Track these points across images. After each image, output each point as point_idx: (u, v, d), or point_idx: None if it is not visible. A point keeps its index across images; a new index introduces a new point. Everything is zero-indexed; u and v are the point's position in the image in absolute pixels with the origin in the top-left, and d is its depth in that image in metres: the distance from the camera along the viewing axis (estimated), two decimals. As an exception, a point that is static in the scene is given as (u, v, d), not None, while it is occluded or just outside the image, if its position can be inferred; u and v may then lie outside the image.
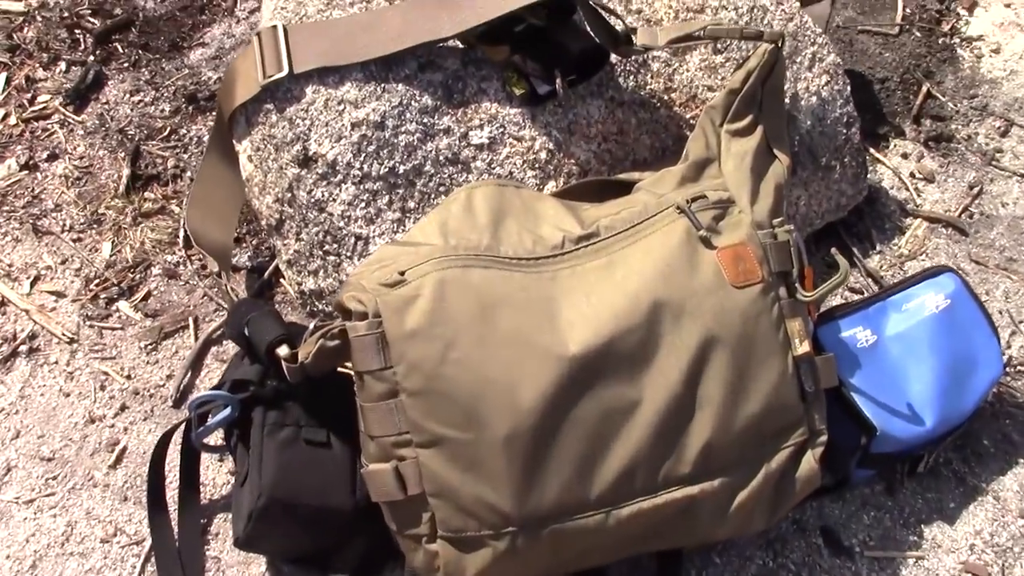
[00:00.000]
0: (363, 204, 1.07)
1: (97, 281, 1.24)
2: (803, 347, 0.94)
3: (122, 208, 1.29)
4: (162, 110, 1.39)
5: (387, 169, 1.07)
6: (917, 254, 1.35)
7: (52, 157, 1.35)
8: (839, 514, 1.12)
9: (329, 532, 0.97)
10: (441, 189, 1.08)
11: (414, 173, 1.08)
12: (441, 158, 1.08)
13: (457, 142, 1.08)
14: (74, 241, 1.27)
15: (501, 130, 1.09)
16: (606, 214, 0.97)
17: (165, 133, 1.38)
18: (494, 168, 1.09)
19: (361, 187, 1.07)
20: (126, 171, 1.32)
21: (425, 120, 1.07)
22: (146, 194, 1.32)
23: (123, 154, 1.34)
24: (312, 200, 1.08)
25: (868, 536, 1.10)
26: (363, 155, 1.07)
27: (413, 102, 1.07)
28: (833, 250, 0.97)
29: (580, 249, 0.93)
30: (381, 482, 0.87)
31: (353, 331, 0.87)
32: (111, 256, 1.26)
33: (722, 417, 0.89)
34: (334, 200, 1.07)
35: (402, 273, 0.88)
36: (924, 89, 1.50)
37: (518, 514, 0.85)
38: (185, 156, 1.35)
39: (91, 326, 1.20)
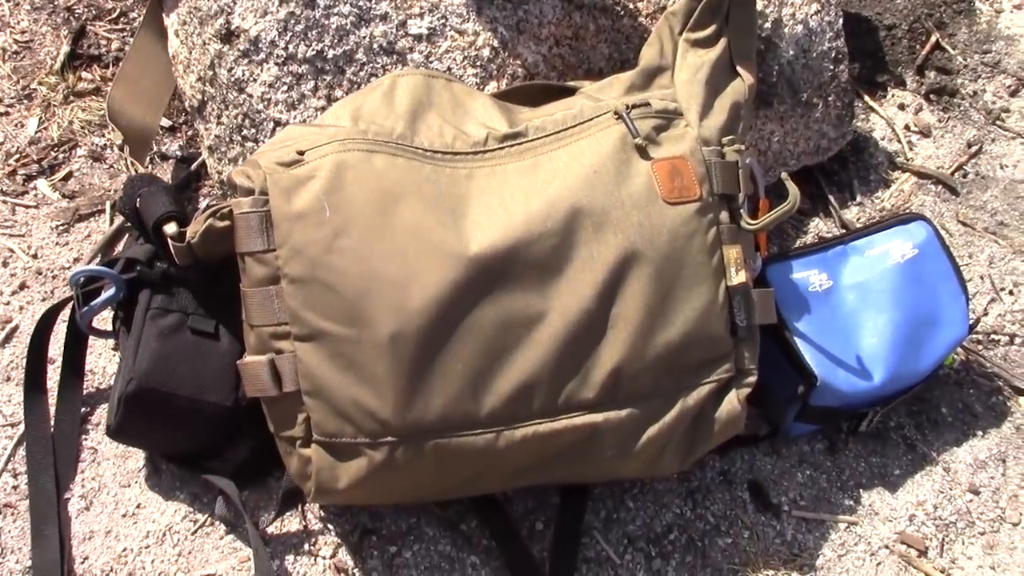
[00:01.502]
0: (285, 87, 0.99)
1: (18, 157, 1.17)
2: (739, 277, 0.85)
3: (55, 85, 1.22)
4: (114, -10, 1.32)
5: (314, 52, 0.99)
6: (901, 209, 1.25)
7: (-8, 28, 1.27)
8: (771, 469, 1.03)
9: (207, 430, 0.90)
10: (372, 80, 1.00)
11: (344, 59, 0.99)
12: (375, 46, 1.00)
13: (394, 30, 1.00)
14: (0, 115, 1.20)
15: (443, 21, 1.00)
16: (540, 116, 0.88)
17: (114, 15, 1.30)
18: (432, 62, 1.01)
19: (284, 69, 0.99)
20: (65, 48, 1.25)
21: (361, 3, 0.99)
22: (83, 74, 1.25)
23: (66, 32, 1.27)
24: (232, 79, 1.00)
25: (800, 495, 1.01)
26: (289, 34, 0.98)
27: (349, -18, 0.99)
28: (783, 175, 0.88)
29: (504, 148, 0.85)
30: (255, 375, 0.80)
31: (237, 207, 0.80)
32: (36, 133, 1.19)
33: (636, 341, 0.81)
34: (254, 80, 0.99)
35: (301, 153, 0.81)
36: (933, 39, 1.39)
37: (398, 423, 0.78)
38: (131, 40, 1.27)
39: (4, 202, 1.13)
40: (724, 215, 0.86)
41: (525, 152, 0.85)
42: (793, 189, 0.86)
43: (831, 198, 1.25)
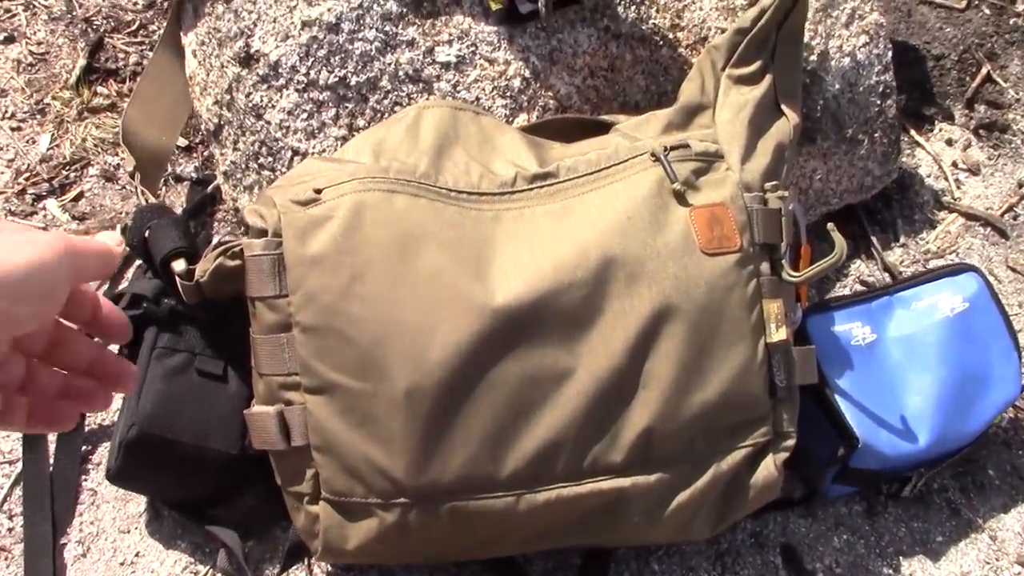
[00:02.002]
0: (305, 115, 0.94)
1: (28, 175, 1.13)
2: (779, 334, 0.80)
3: (69, 100, 1.18)
4: (135, 2, 1.27)
5: (337, 79, 0.94)
6: (946, 252, 1.19)
7: (9, 40, 1.23)
8: (806, 532, 0.97)
9: (211, 478, 0.86)
10: (396, 109, 0.95)
11: (367, 87, 0.94)
12: (400, 73, 0.95)
13: (421, 57, 0.95)
14: (12, 130, 1.16)
15: (472, 49, 0.95)
16: (572, 154, 0.83)
17: (133, 27, 1.26)
18: (459, 91, 0.95)
19: (304, 95, 0.94)
20: (81, 61, 1.21)
21: (387, 28, 0.94)
22: (99, 88, 1.21)
23: (84, 44, 1.23)
24: (250, 105, 0.95)
25: (835, 562, 0.96)
26: (311, 59, 0.94)
27: (375, 6, 0.93)
28: (830, 225, 0.82)
29: (533, 190, 0.79)
30: (262, 427, 0.76)
31: (249, 249, 0.75)
32: (48, 150, 1.15)
33: (669, 401, 0.76)
34: (273, 107, 0.95)
35: (318, 191, 0.76)
36: (984, 71, 1.32)
37: (412, 483, 0.73)
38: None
39: (12, 221, 1.09)
40: (765, 266, 0.81)
41: (556, 194, 0.79)
42: (840, 241, 0.80)
43: (873, 239, 1.19)
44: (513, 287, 0.74)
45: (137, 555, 0.90)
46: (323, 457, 0.74)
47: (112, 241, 0.54)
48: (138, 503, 0.93)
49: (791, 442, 0.82)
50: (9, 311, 0.44)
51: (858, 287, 1.16)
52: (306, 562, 0.90)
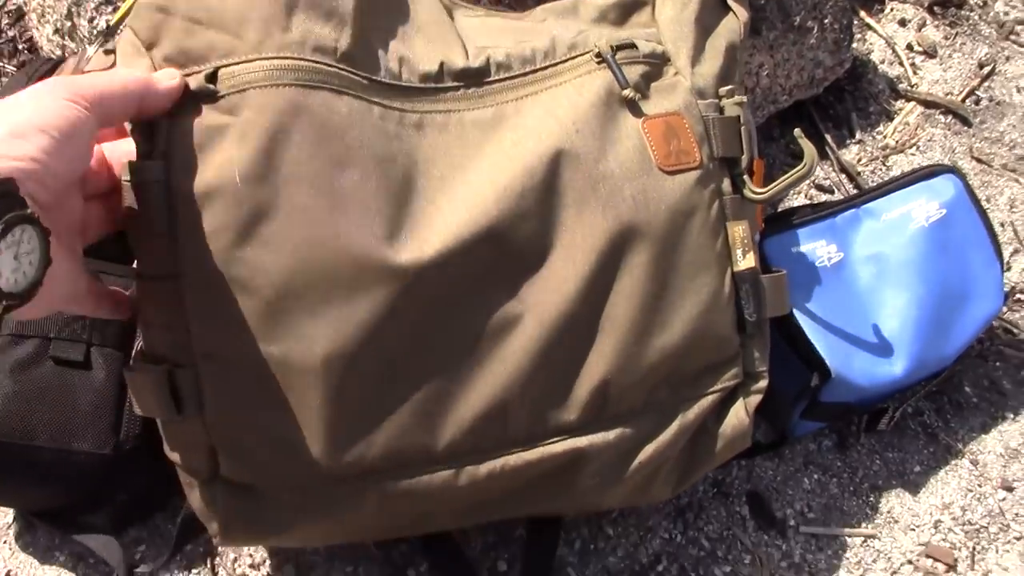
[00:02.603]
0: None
1: None
2: (746, 260, 0.68)
3: None
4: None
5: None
6: (906, 146, 1.08)
7: None
8: (773, 476, 0.88)
9: (80, 483, 0.72)
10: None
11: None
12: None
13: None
14: None
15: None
16: (498, 43, 0.67)
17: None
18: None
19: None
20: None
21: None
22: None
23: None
24: (95, 31, 0.79)
25: (807, 506, 0.86)
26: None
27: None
28: (797, 131, 0.70)
29: (460, 89, 0.64)
30: (145, 391, 0.59)
31: (124, 172, 0.56)
32: None
33: (628, 347, 0.64)
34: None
35: (213, 75, 0.57)
36: (934, -60, 1.19)
37: (332, 464, 0.60)
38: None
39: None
40: (726, 184, 0.68)
41: (486, 97, 0.64)
42: (809, 149, 0.68)
43: (828, 138, 1.07)
44: (447, 223, 0.60)
45: (7, 574, 0.77)
46: (220, 433, 0.60)
47: (158, 74, 0.55)
48: (4, 513, 0.79)
49: (763, 383, 0.71)
50: (36, 168, 0.45)
51: (814, 192, 1.04)
52: (210, 564, 0.77)
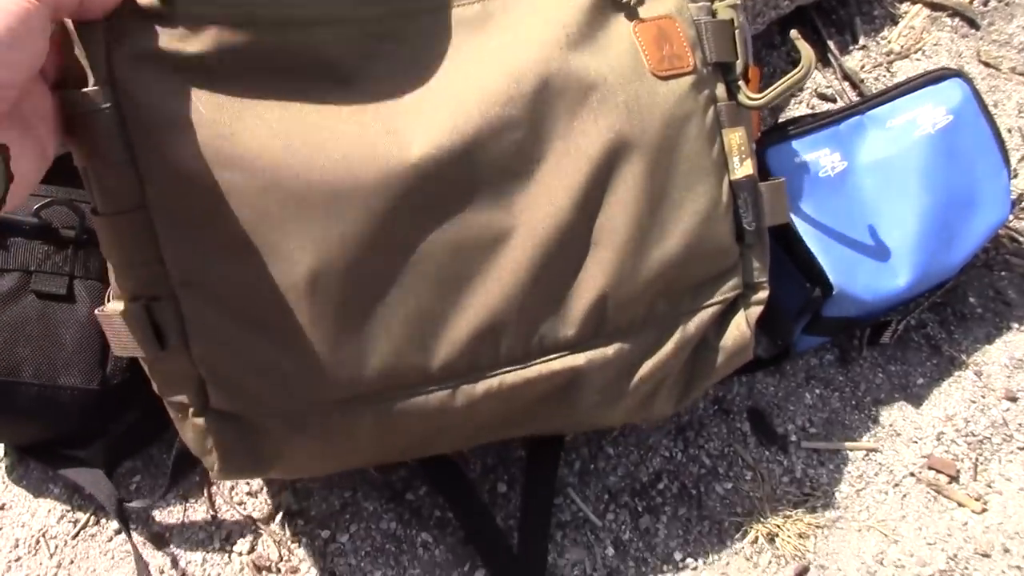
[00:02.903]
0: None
1: None
2: (744, 168, 0.66)
3: None
4: None
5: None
6: (911, 51, 1.04)
7: None
8: (774, 392, 0.86)
9: (68, 419, 0.71)
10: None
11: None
12: None
13: None
14: None
15: None
16: None
17: None
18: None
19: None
20: None
21: None
22: None
23: None
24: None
25: (809, 420, 0.85)
26: None
27: None
28: (794, 32, 0.67)
29: None
30: (120, 330, 0.57)
31: (70, 103, 0.52)
32: None
33: (625, 259, 0.62)
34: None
35: None
36: None
37: (324, 389, 0.58)
38: None
39: None
40: (720, 89, 0.66)
41: None
42: (807, 51, 0.65)
43: (830, 44, 1.03)
44: (432, 132, 0.57)
45: (2, 508, 0.76)
46: (207, 363, 0.58)
47: None
48: (-3, 448, 0.78)
49: (764, 294, 0.69)
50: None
51: (816, 101, 1.01)
52: (207, 493, 0.77)
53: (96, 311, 0.58)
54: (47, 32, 0.46)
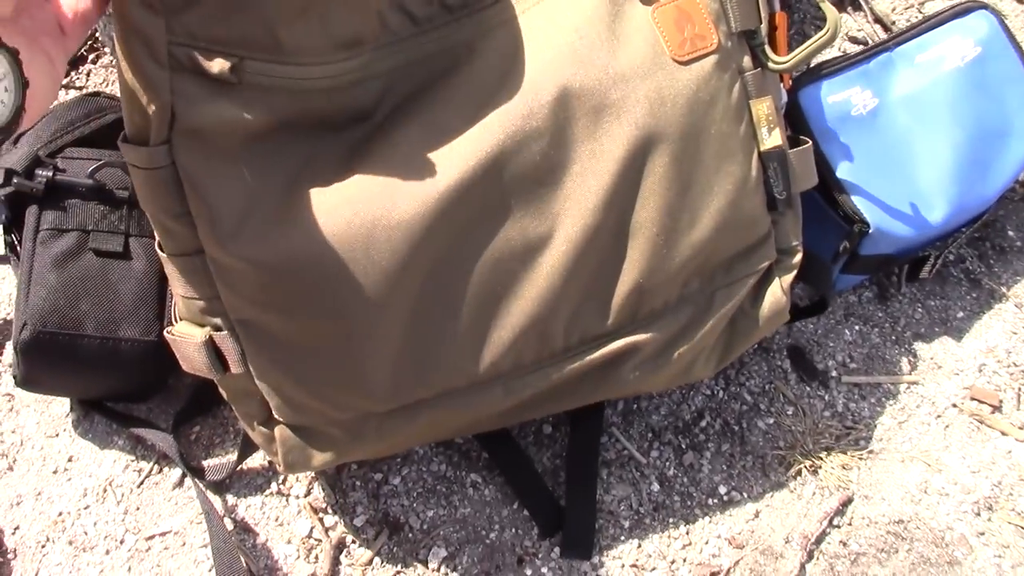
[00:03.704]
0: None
1: None
2: (773, 138, 0.66)
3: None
4: None
5: None
6: (942, -10, 1.04)
7: None
8: (814, 329, 0.87)
9: (132, 372, 0.74)
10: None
11: None
12: None
13: None
14: None
15: None
16: None
17: None
18: None
19: None
20: None
21: None
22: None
23: None
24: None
25: (849, 356, 0.86)
26: None
27: None
28: (819, -4, 0.68)
29: (461, 19, 0.61)
30: (189, 354, 0.61)
31: (131, 155, 0.56)
32: None
33: (659, 249, 0.63)
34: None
35: (237, 67, 0.55)
36: None
37: (379, 404, 0.63)
38: None
39: None
40: (746, 60, 0.65)
41: (484, 21, 0.61)
42: (832, 13, 0.64)
43: (860, -13, 1.03)
44: (458, 157, 0.59)
45: (70, 460, 0.80)
46: (269, 388, 0.62)
47: None
48: (63, 403, 0.82)
49: (798, 257, 0.71)
50: None
51: (848, 45, 1.01)
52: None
53: (165, 332, 0.62)
54: None
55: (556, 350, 0.64)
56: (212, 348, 0.61)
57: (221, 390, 0.65)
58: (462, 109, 0.60)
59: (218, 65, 0.53)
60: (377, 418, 0.64)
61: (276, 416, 0.64)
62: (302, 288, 0.57)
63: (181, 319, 0.62)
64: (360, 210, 0.57)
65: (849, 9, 1.03)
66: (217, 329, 0.60)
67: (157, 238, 0.60)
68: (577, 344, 0.65)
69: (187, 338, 0.60)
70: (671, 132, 0.61)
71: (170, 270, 0.60)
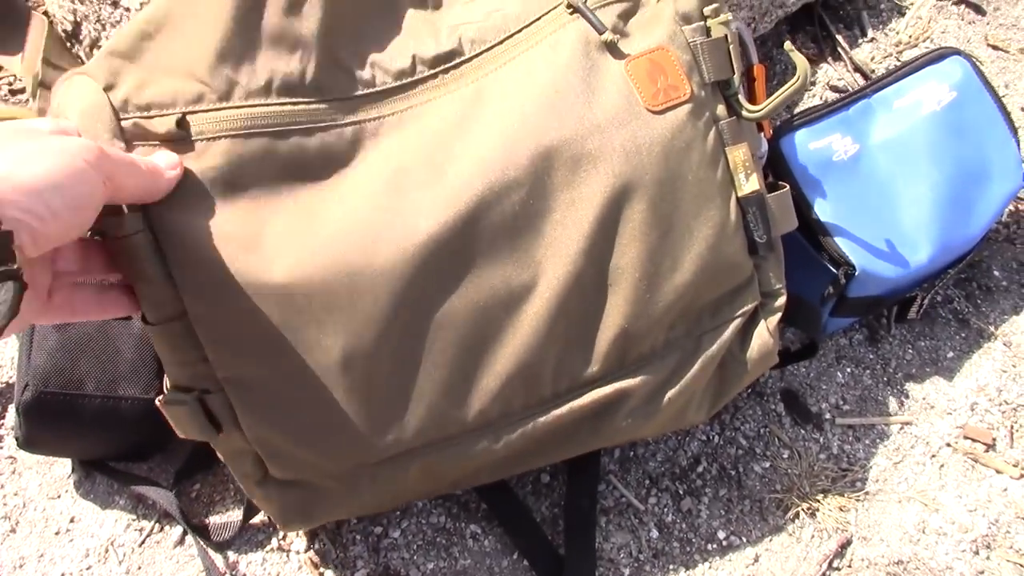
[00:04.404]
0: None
1: None
2: (751, 183, 0.67)
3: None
4: None
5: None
6: (920, 40, 1.07)
7: None
8: (806, 372, 0.88)
9: (132, 430, 0.75)
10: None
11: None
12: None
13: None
14: None
15: None
16: (469, 20, 0.67)
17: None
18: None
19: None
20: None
21: None
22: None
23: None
24: (102, -9, 0.81)
25: (842, 398, 0.87)
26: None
27: None
28: (787, 44, 0.70)
29: (438, 75, 0.64)
30: (180, 421, 0.62)
31: (108, 230, 0.57)
32: None
33: (641, 294, 0.64)
34: (127, -11, 0.80)
35: (181, 121, 0.57)
36: None
37: (370, 454, 0.63)
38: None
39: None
40: (720, 108, 0.67)
41: (464, 77, 0.64)
42: (801, 62, 0.66)
43: (839, 38, 1.06)
44: (437, 207, 0.60)
45: (72, 521, 0.80)
46: (259, 442, 0.63)
47: (163, 162, 0.54)
48: (64, 464, 0.82)
49: (782, 300, 0.72)
50: (37, 227, 0.42)
51: (829, 94, 1.04)
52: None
53: (156, 401, 0.63)
54: (95, 215, 0.47)
55: (545, 397, 0.65)
56: (203, 411, 0.61)
57: (217, 452, 0.66)
58: (440, 155, 0.62)
59: (164, 125, 0.56)
60: (370, 468, 0.64)
61: (272, 473, 0.65)
62: (281, 325, 0.59)
63: (171, 387, 0.63)
64: (340, 255, 0.59)
65: (830, 59, 1.06)
66: (206, 392, 0.61)
67: (141, 310, 0.60)
68: (566, 391, 0.66)
69: (178, 404, 0.61)
70: (648, 178, 0.63)
71: (156, 340, 0.61)
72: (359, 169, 0.62)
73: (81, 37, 0.86)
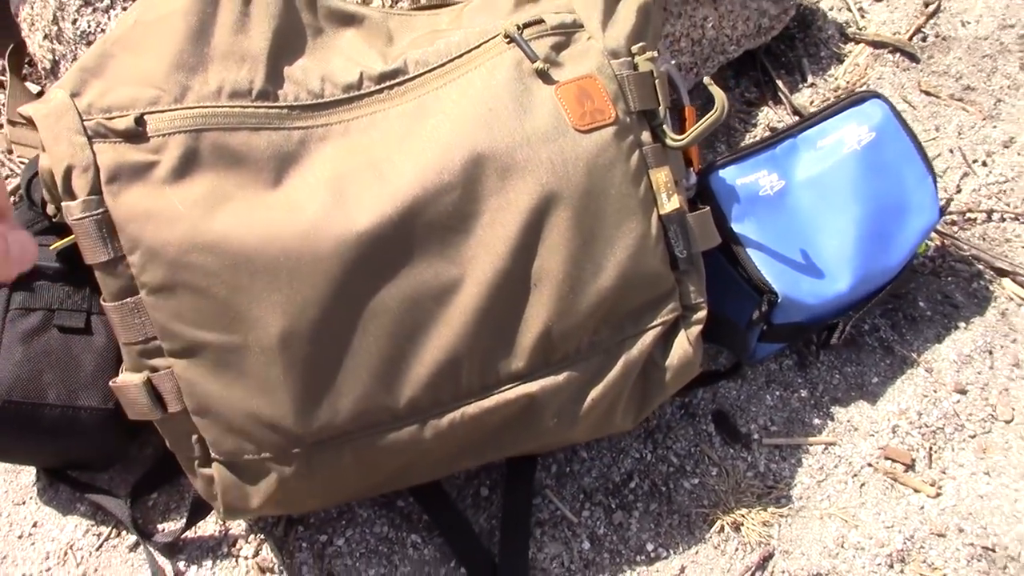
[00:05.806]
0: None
1: None
2: (672, 203, 0.74)
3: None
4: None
5: (163, -13, 0.85)
6: (857, 86, 1.13)
7: None
8: (737, 395, 0.93)
9: (89, 438, 0.79)
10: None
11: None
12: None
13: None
14: None
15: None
16: (418, 47, 0.75)
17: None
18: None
19: (131, 11, 0.85)
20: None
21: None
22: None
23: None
24: (78, 32, 0.87)
25: (770, 420, 0.92)
26: (131, -30, 0.85)
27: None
28: (706, 79, 0.77)
29: (383, 91, 0.72)
30: (132, 399, 0.69)
31: (68, 213, 0.66)
32: None
33: (564, 295, 0.70)
34: (103, 31, 0.86)
35: (141, 121, 0.66)
36: None
37: (304, 431, 0.68)
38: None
39: None
40: (646, 135, 0.74)
41: (408, 93, 0.72)
42: (719, 95, 0.74)
43: (779, 83, 1.12)
44: (375, 204, 0.67)
45: (35, 525, 0.85)
46: (204, 420, 0.69)
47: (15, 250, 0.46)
48: (29, 472, 0.87)
49: (702, 313, 0.77)
50: None
51: (767, 135, 1.10)
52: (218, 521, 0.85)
53: (111, 383, 0.70)
54: None
55: (474, 388, 0.70)
56: (151, 389, 0.68)
57: (164, 436, 0.71)
58: (382, 158, 0.69)
59: (123, 123, 0.65)
60: (305, 449, 0.69)
61: (212, 452, 0.70)
62: (225, 302, 0.66)
63: (125, 370, 0.70)
64: (284, 240, 0.65)
65: (771, 102, 1.12)
66: (154, 371, 0.68)
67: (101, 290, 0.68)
68: (494, 384, 0.71)
69: (129, 382, 0.68)
70: (572, 190, 0.70)
71: (112, 318, 0.68)
72: (306, 166, 0.69)
73: (59, 74, 0.92)
